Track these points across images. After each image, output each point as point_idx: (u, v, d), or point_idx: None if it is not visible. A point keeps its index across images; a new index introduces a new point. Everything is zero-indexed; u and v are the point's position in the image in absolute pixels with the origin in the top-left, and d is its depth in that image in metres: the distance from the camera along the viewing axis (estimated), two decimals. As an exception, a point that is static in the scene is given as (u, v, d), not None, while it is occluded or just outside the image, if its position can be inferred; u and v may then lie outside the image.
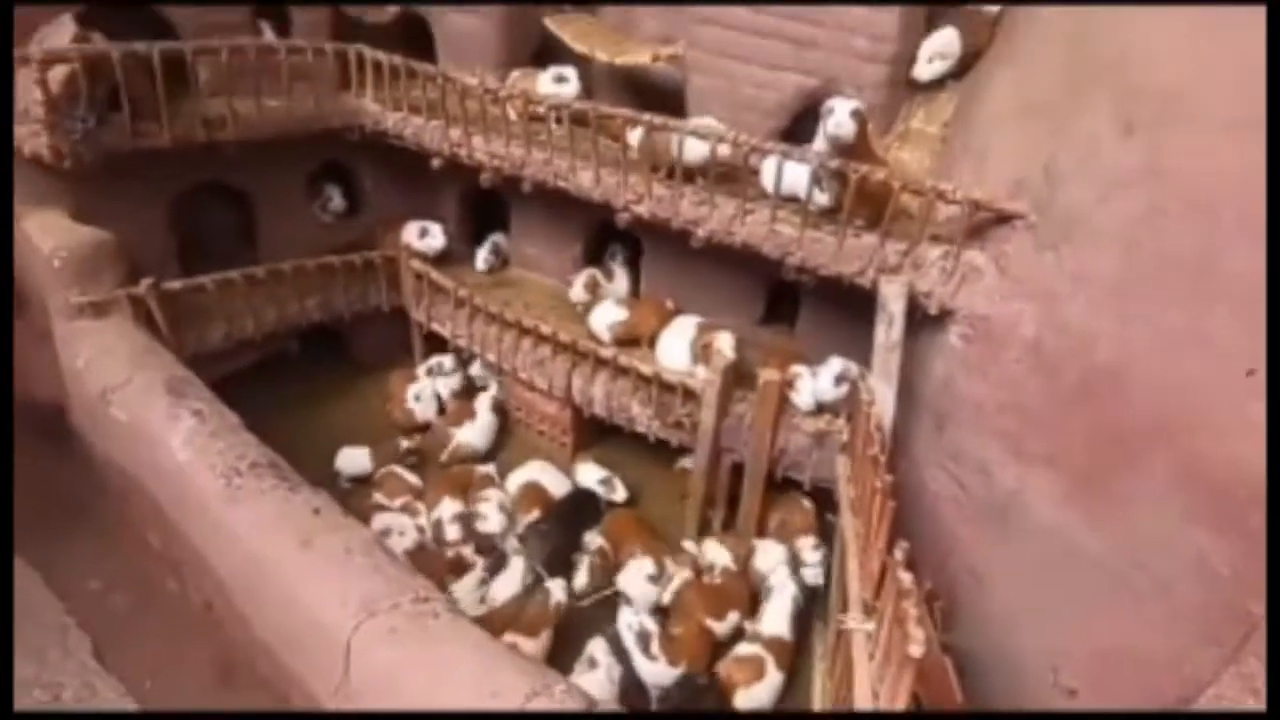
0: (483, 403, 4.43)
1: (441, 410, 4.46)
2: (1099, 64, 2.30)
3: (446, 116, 3.78)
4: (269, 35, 3.99)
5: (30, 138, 2.96)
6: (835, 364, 3.25)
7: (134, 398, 2.91)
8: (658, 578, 3.25)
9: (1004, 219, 2.48)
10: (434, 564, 3.32)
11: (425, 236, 4.55)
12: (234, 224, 4.33)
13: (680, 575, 3.30)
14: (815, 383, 3.29)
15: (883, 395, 2.73)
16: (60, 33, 2.98)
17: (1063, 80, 2.42)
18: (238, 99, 3.58)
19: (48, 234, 3.22)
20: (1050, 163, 2.36)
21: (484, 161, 3.72)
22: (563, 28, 4.43)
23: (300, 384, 4.54)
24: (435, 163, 3.96)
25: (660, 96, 4.39)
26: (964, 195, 2.47)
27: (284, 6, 4.01)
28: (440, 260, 4.61)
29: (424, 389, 4.45)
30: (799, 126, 3.55)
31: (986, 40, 3.18)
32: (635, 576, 3.24)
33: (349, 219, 4.74)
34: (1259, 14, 1.82)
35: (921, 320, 2.73)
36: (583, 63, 4.36)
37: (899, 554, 2.10)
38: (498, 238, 4.61)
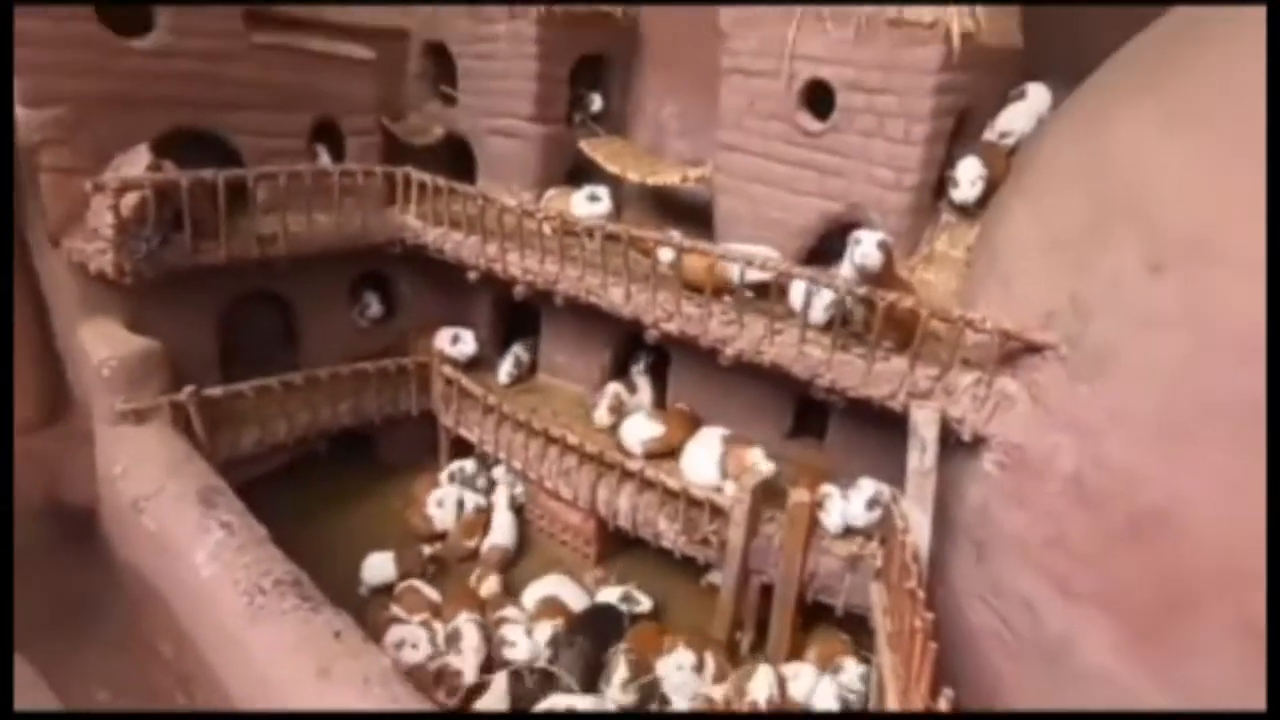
0: (500, 500, 4.41)
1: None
2: (1120, 202, 2.36)
3: (484, 232, 3.96)
4: (324, 158, 4.26)
5: (97, 255, 3.15)
6: (867, 486, 3.19)
7: (165, 507, 2.94)
8: (699, 667, 3.12)
9: (1035, 349, 2.49)
10: (445, 678, 3.19)
11: (457, 343, 4.66)
12: (275, 326, 4.49)
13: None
14: (846, 505, 3.22)
15: (918, 522, 2.66)
16: (135, 160, 3.21)
17: (1084, 217, 2.48)
18: (290, 214, 3.79)
19: (100, 342, 3.35)
20: (1077, 297, 2.39)
21: (518, 276, 3.86)
22: (596, 150, 4.70)
23: (326, 484, 4.56)
24: (472, 276, 4.11)
25: (689, 211, 4.58)
26: (994, 325, 2.49)
27: (339, 130, 4.30)
28: (470, 366, 4.71)
29: (446, 495, 4.43)
30: (825, 244, 3.67)
31: (1003, 171, 3.30)
32: (674, 668, 3.11)
33: (384, 323, 4.89)
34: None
35: (955, 445, 2.70)
36: (615, 180, 4.61)
37: (944, 702, 1.99)
38: (519, 349, 4.68)
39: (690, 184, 4.24)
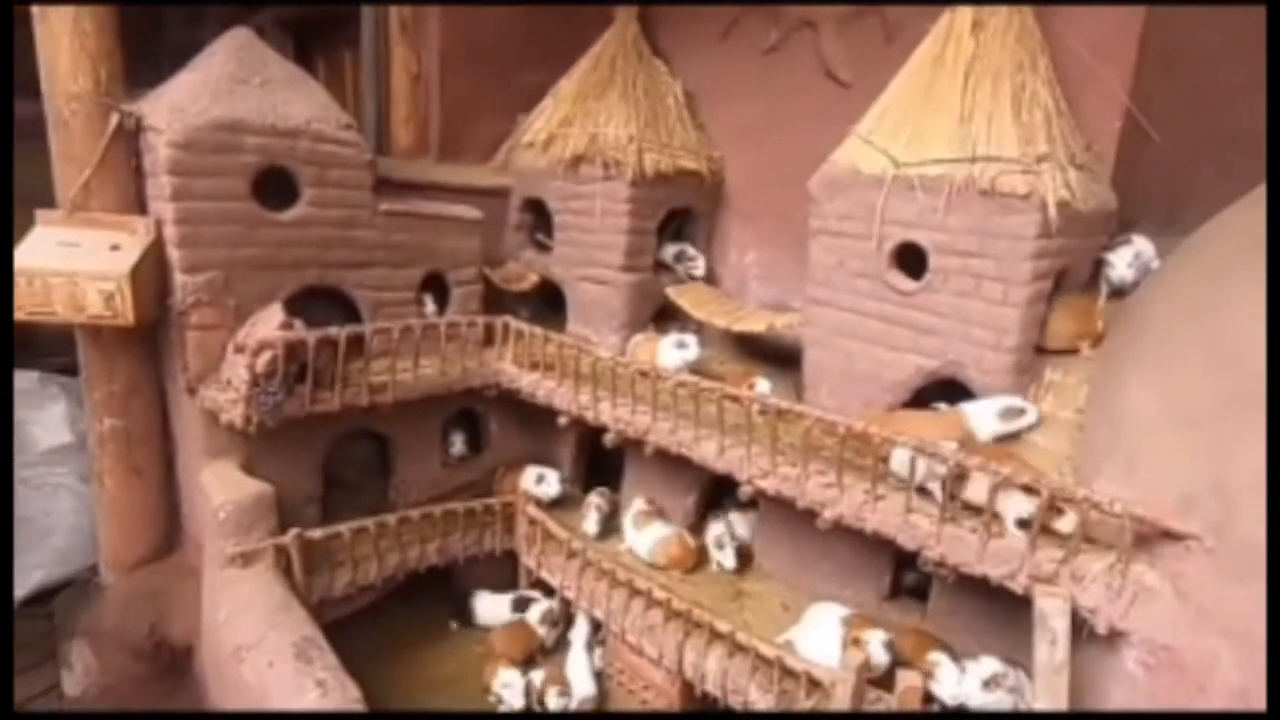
0: (577, 638, 4.28)
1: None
2: (1255, 381, 2.24)
3: (576, 378, 4.08)
4: (430, 306, 4.56)
5: (229, 406, 3.39)
6: (988, 664, 2.93)
7: (264, 659, 2.97)
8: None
9: (1174, 537, 2.31)
10: None
11: (541, 483, 4.71)
12: (370, 458, 4.65)
13: None
14: (961, 681, 2.96)
15: (1052, 725, 2.41)
16: (269, 318, 3.52)
17: (1214, 396, 2.36)
18: (400, 362, 4.03)
19: (219, 485, 3.55)
20: (1219, 483, 2.23)
21: (609, 424, 3.92)
22: (681, 296, 4.88)
23: (404, 621, 4.56)
24: (563, 421, 4.21)
25: (773, 353, 4.63)
26: (1125, 508, 2.34)
27: (444, 281, 4.62)
28: (553, 506, 4.72)
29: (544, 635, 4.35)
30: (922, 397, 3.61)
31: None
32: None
33: (471, 460, 5.01)
34: None
35: (1089, 638, 2.47)
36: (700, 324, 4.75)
37: None
38: (598, 500, 4.65)
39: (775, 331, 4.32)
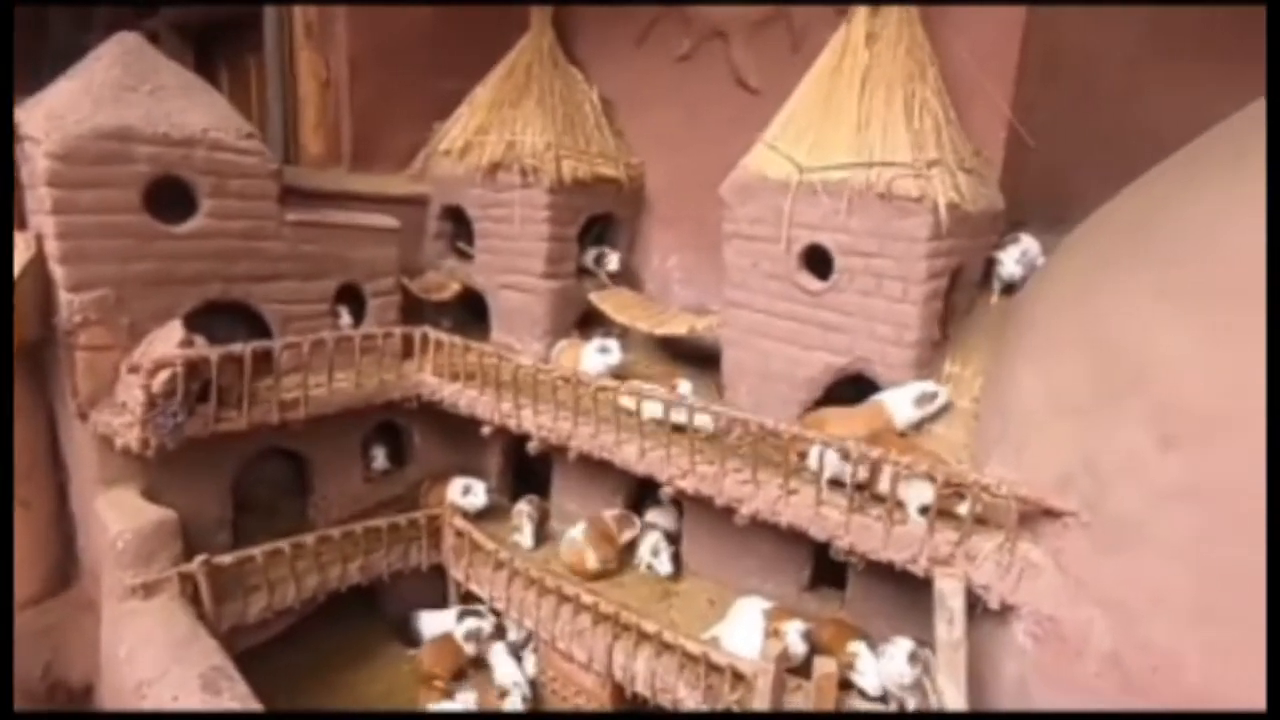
0: (500, 648, 4.25)
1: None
2: (1126, 373, 2.43)
3: (498, 387, 4.05)
4: (345, 319, 4.45)
5: (124, 429, 3.22)
6: (904, 643, 3.06)
7: (168, 693, 2.82)
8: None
9: (1054, 515, 2.48)
10: None
11: (468, 494, 4.65)
12: (286, 477, 4.49)
13: None
14: (887, 665, 3.07)
15: (953, 699, 2.54)
16: (168, 336, 3.36)
17: (1090, 384, 2.55)
18: (312, 376, 3.91)
19: (116, 514, 3.36)
20: (1092, 463, 2.41)
21: (532, 432, 3.91)
22: (604, 301, 4.91)
23: (332, 642, 4.42)
24: (486, 431, 4.17)
25: (695, 355, 4.71)
26: (1010, 490, 2.50)
27: (360, 293, 4.51)
28: (480, 517, 4.67)
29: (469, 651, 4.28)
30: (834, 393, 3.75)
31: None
32: None
33: (394, 474, 4.90)
34: None
35: (984, 613, 2.62)
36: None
37: None
38: (527, 508, 4.61)
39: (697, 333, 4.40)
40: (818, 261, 3.68)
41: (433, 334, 4.35)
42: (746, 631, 3.43)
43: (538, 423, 3.88)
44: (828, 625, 3.44)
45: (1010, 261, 3.69)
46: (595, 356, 4.35)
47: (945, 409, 3.39)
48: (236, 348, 3.41)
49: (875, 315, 3.45)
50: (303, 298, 4.15)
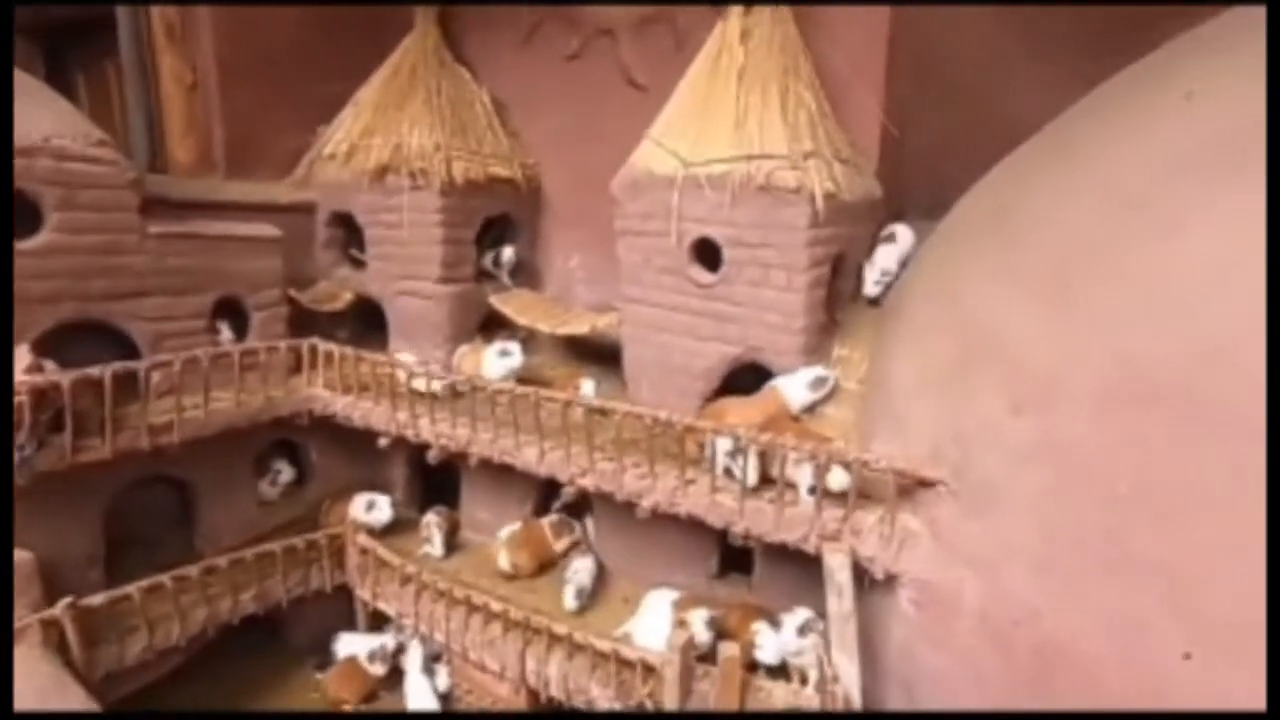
0: (412, 664, 4.12)
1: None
2: (980, 346, 2.58)
3: (393, 397, 3.92)
4: (226, 334, 4.21)
5: (-38, 468, 2.93)
6: (800, 613, 3.15)
7: (26, 752, 2.59)
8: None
9: (927, 484, 2.61)
10: None
11: (372, 509, 4.49)
12: (170, 507, 4.21)
13: None
14: (780, 637, 3.16)
15: (846, 670, 2.64)
16: (15, 362, 3.08)
17: (955, 361, 2.70)
18: (186, 397, 3.67)
19: (-39, 560, 3.05)
20: (958, 433, 2.55)
21: (431, 441, 3.81)
22: (506, 304, 4.85)
23: (231, 675, 4.19)
24: (383, 442, 4.03)
25: (599, 354, 4.71)
26: (887, 463, 2.61)
27: (244, 307, 4.27)
28: (388, 531, 4.52)
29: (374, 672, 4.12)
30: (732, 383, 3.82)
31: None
32: None
33: (294, 493, 4.67)
34: (1118, 302, 2.13)
35: (872, 585, 2.73)
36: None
37: None
38: (435, 519, 4.50)
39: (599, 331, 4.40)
40: (708, 254, 3.74)
41: (322, 346, 4.17)
42: (656, 623, 3.46)
43: (436, 431, 3.78)
44: (735, 610, 3.51)
45: (890, 255, 3.80)
46: (497, 360, 4.28)
47: (835, 391, 3.52)
48: (94, 371, 3.16)
49: (764, 304, 3.54)
50: (174, 314, 3.90)
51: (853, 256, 3.84)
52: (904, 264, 3.77)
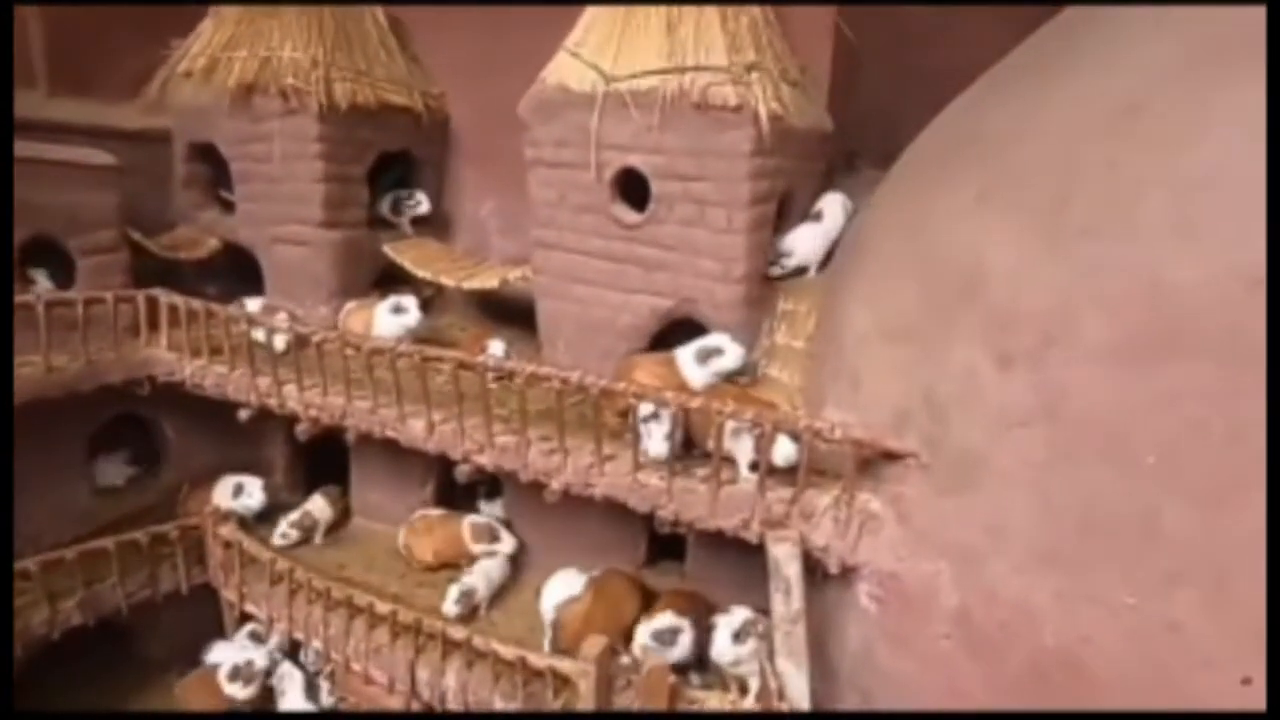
0: (290, 686, 3.50)
1: None
2: (955, 288, 2.12)
3: (252, 362, 3.22)
4: (43, 284, 3.40)
5: None
6: (738, 614, 2.67)
7: None
8: None
9: (893, 457, 2.14)
10: None
11: (241, 495, 3.79)
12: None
13: None
14: (716, 646, 2.68)
15: (794, 682, 2.17)
16: None
17: (922, 302, 2.23)
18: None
19: None
20: (930, 394, 2.09)
21: (299, 412, 3.14)
22: (402, 254, 4.16)
23: (78, 694, 3.48)
24: (244, 415, 3.33)
25: (520, 314, 4.07)
26: (844, 433, 2.13)
27: (67, 251, 3.46)
28: (261, 520, 3.84)
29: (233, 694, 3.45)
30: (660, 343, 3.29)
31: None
32: None
33: (145, 479, 3.92)
34: (1125, 234, 1.67)
35: (826, 579, 2.26)
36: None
37: None
38: (319, 502, 3.84)
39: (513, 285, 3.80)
40: (634, 189, 3.17)
41: (164, 298, 3.41)
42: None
43: (304, 400, 3.12)
44: (668, 604, 3.02)
45: (803, 237, 3.22)
46: (389, 318, 3.63)
47: (751, 365, 2.97)
48: None
49: (699, 248, 3.01)
50: (-42, 256, 3.08)
51: (800, 196, 3.34)
52: (831, 248, 3.21)
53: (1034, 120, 2.17)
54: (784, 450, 2.23)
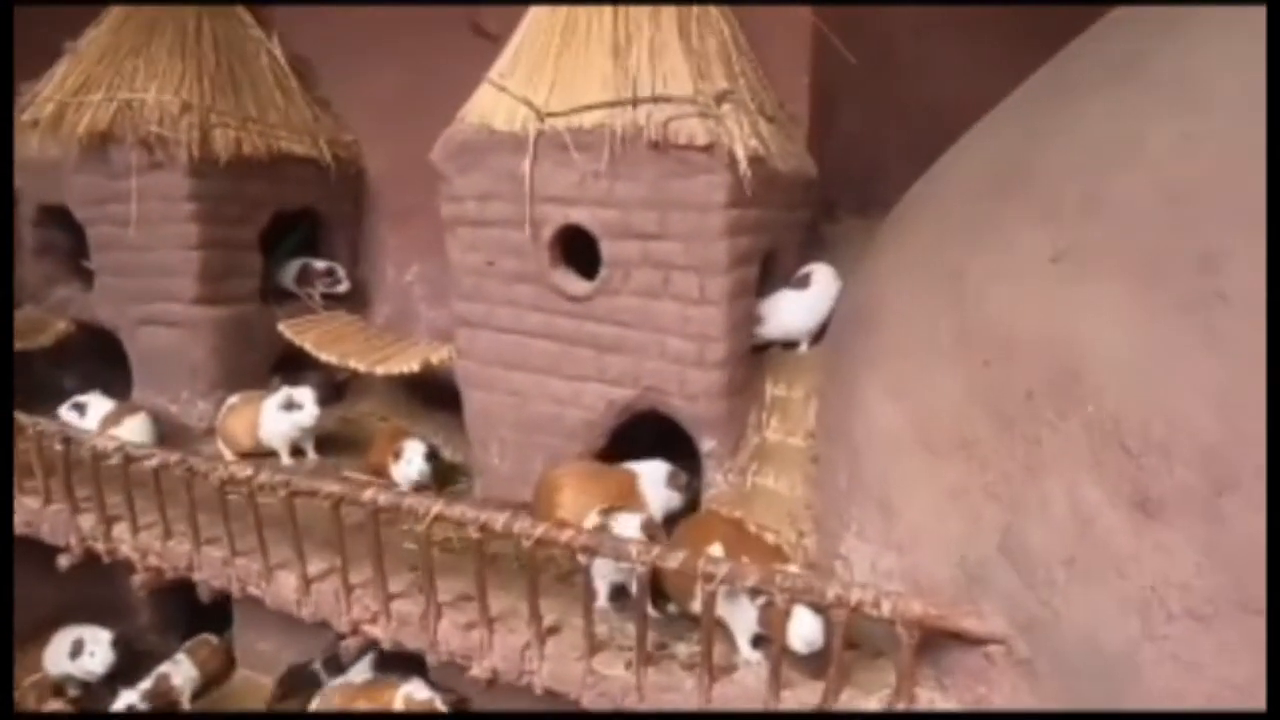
0: None
1: None
2: (1037, 380, 1.47)
3: (72, 496, 2.40)
4: None
5: None
6: None
7: None
8: None
9: (969, 641, 1.45)
10: None
11: (80, 654, 2.90)
12: None
13: None
14: None
15: None
16: None
17: (979, 401, 1.59)
18: None
19: None
20: (1013, 541, 1.42)
21: (135, 561, 2.32)
22: (302, 334, 3.40)
23: None
24: (63, 562, 2.49)
25: (453, 396, 3.32)
26: (899, 610, 1.43)
27: None
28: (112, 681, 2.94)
29: None
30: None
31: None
32: None
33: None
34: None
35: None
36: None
37: None
38: (181, 662, 2.96)
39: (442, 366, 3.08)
40: (579, 252, 2.51)
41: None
42: None
43: (137, 545, 2.30)
44: None
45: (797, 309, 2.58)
46: (277, 416, 2.89)
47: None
48: None
49: (665, 324, 2.34)
50: None
51: (784, 257, 2.72)
52: (824, 325, 2.58)
53: (1137, 148, 1.56)
54: (804, 629, 1.52)
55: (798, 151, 2.76)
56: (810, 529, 2.10)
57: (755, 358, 2.53)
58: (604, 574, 1.83)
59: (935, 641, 1.50)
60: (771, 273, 2.62)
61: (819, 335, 2.60)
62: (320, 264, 3.72)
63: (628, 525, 1.80)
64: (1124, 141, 1.59)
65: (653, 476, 2.14)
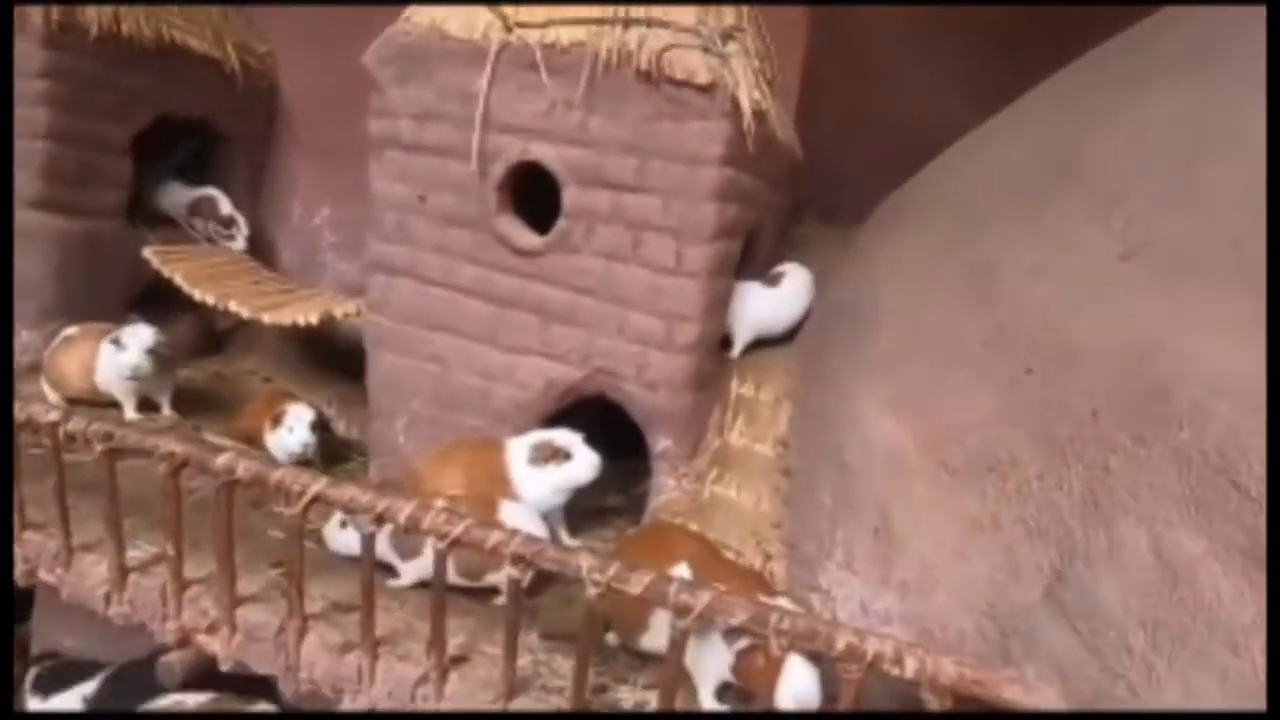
0: None
1: None
2: (1110, 399, 1.20)
3: None
4: None
5: None
6: None
7: None
8: None
9: (1003, 714, 1.13)
10: None
11: None
12: None
13: None
14: None
15: None
16: None
17: (1010, 409, 1.30)
18: None
19: None
20: (1066, 585, 1.12)
21: (-122, 523, 1.70)
22: (172, 263, 2.79)
23: None
24: None
25: (358, 361, 2.79)
26: (927, 669, 1.10)
27: None
28: None
29: None
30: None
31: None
32: None
33: None
34: None
35: None
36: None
37: None
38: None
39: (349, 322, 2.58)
40: (534, 197, 2.09)
41: None
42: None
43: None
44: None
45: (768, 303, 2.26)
46: (111, 358, 2.31)
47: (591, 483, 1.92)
48: None
49: (629, 295, 1.96)
50: None
51: (764, 241, 2.40)
52: (795, 326, 2.28)
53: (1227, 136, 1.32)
54: (799, 684, 1.17)
55: (788, 132, 2.46)
56: (780, 552, 1.77)
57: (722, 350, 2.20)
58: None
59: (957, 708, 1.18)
60: (750, 259, 2.29)
61: (786, 340, 2.29)
62: (226, 206, 3.11)
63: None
64: (1209, 130, 1.36)
65: (517, 450, 1.77)
